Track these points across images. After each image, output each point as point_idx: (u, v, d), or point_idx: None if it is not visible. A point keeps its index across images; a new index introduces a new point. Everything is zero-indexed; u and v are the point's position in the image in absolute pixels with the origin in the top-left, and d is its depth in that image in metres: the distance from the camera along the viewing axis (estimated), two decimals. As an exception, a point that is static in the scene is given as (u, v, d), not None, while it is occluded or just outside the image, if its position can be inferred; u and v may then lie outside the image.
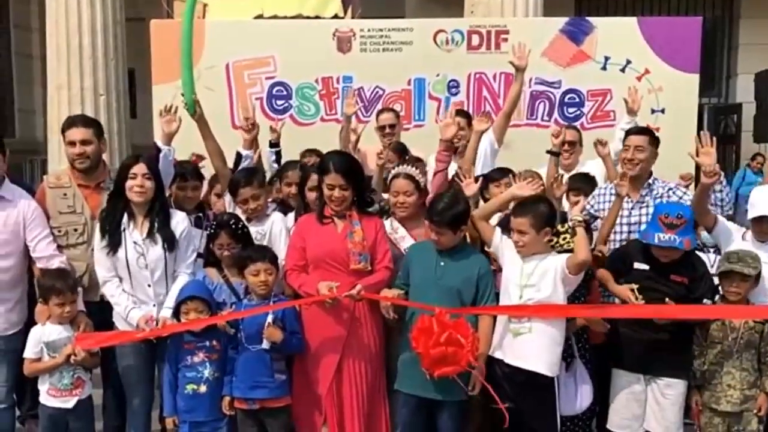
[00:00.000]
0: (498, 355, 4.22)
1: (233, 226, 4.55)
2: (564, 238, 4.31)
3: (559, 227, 4.34)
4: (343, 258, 4.32)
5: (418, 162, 5.00)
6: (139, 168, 4.36)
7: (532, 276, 4.15)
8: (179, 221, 4.55)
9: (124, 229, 4.40)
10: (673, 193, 4.97)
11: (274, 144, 6.13)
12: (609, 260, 4.63)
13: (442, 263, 4.28)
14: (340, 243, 4.34)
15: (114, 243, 4.38)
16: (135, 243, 4.40)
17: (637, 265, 4.43)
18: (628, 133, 5.15)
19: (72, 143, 4.69)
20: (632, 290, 4.30)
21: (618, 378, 4.48)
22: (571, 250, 4.20)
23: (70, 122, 4.83)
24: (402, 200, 4.58)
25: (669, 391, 4.37)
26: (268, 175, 5.62)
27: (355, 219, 4.42)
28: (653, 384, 4.39)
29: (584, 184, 5.35)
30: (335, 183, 4.34)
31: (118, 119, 8.87)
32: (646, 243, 4.37)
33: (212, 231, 4.62)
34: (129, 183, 4.36)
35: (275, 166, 6.01)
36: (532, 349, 4.12)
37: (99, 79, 8.65)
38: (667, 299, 4.24)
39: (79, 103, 8.54)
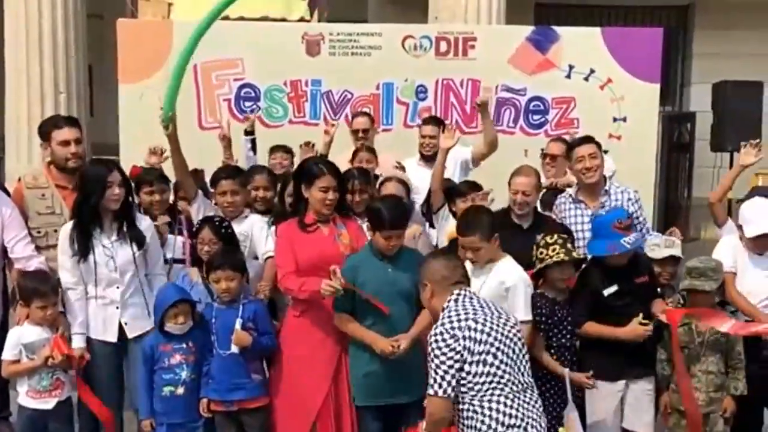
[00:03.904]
0: None
1: (217, 224, 4.56)
2: (553, 249, 4.28)
3: (547, 239, 4.34)
4: (336, 260, 4.29)
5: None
6: (114, 177, 4.32)
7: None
8: (146, 227, 4.56)
9: (92, 236, 4.36)
10: (627, 192, 4.99)
11: (249, 132, 6.18)
12: (582, 305, 4.42)
13: (389, 269, 4.25)
14: (331, 246, 4.35)
15: (84, 251, 4.33)
16: (104, 246, 4.38)
17: (607, 292, 4.37)
18: (572, 146, 5.07)
19: (66, 143, 4.68)
20: (641, 323, 4.26)
21: (597, 391, 4.37)
22: (560, 263, 4.24)
23: (59, 122, 4.82)
24: None
25: (647, 387, 4.47)
26: (245, 165, 5.73)
27: (339, 222, 4.46)
28: (632, 386, 4.44)
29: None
30: (330, 185, 4.35)
31: (77, 117, 8.69)
32: (611, 254, 4.32)
33: (197, 226, 4.65)
34: (107, 192, 4.30)
35: (250, 154, 6.08)
36: None
37: (60, 76, 8.49)
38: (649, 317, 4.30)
39: (38, 100, 8.38)
